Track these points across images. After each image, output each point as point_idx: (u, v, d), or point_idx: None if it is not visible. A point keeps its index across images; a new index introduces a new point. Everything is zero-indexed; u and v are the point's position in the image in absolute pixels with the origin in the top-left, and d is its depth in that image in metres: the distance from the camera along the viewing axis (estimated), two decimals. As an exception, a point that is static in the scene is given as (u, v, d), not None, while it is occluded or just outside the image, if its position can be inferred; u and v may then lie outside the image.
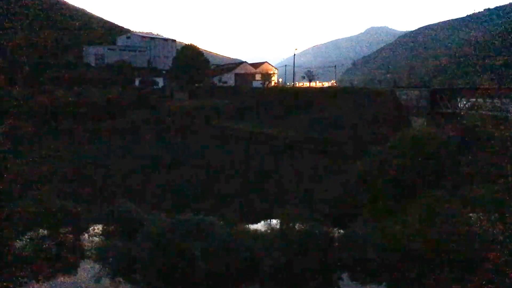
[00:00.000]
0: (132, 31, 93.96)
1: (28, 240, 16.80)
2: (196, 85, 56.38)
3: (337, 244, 16.26)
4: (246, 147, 36.08)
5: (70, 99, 41.98)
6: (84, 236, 18.68)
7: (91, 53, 63.47)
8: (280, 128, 38.87)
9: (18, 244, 16.83)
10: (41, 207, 17.21)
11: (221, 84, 63.57)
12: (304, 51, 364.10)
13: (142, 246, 15.32)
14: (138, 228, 16.46)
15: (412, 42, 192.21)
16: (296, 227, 16.35)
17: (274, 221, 19.76)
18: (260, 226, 19.69)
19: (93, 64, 60.81)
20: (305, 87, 63.80)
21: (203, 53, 62.15)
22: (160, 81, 57.71)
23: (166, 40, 77.61)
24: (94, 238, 18.37)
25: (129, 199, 19.41)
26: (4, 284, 14.39)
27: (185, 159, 32.66)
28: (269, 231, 16.97)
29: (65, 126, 38.63)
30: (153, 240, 15.44)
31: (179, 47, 68.32)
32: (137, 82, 56.01)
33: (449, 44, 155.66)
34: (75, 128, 38.40)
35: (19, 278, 14.93)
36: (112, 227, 18.08)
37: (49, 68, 50.00)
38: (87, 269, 16.46)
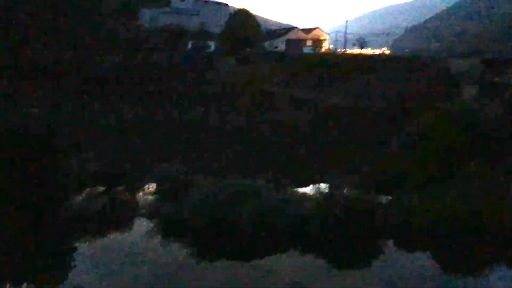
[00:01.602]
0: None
1: (84, 196, 17.83)
2: (248, 49, 56.16)
3: (383, 210, 16.36)
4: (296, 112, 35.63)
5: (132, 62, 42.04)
6: (138, 194, 19.42)
7: (146, 16, 64.09)
8: (324, 94, 38.27)
9: (74, 200, 18.01)
10: (99, 165, 18.20)
11: (271, 49, 63.21)
12: (357, 17, 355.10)
13: (190, 207, 15.95)
14: (188, 188, 17.14)
15: (467, 10, 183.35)
16: (345, 191, 16.71)
17: (323, 185, 20.08)
18: (308, 190, 19.91)
19: (149, 27, 61.27)
20: (355, 54, 62.47)
21: (255, 18, 61.77)
22: (212, 45, 57.86)
23: (219, 3, 77.51)
24: (148, 196, 19.13)
25: (182, 160, 20.14)
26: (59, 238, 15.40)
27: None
28: (317, 194, 17.36)
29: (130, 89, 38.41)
30: (201, 201, 16.04)
31: (231, 12, 68.12)
32: (189, 46, 56.31)
33: (506, 12, 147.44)
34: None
35: (74, 233, 15.95)
36: (164, 187, 18.76)
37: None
38: (140, 226, 17.15)
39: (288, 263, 14.44)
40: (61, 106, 29.35)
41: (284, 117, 34.05)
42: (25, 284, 12.56)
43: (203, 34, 64.32)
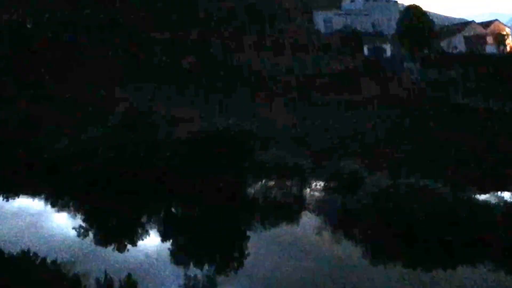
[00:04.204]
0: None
1: (260, 188, 18.92)
2: (425, 51, 52.26)
3: None
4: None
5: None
6: (306, 190, 19.73)
7: (320, 18, 64.81)
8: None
9: (250, 191, 19.10)
10: (274, 161, 19.35)
11: (451, 50, 57.81)
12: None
13: (362, 203, 15.65)
14: (359, 184, 16.87)
15: None
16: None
17: (507, 194, 18.05)
18: (487, 196, 18.08)
19: (322, 30, 61.34)
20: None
21: (427, 14, 58.33)
22: (387, 49, 55.40)
23: (388, 1, 75.15)
24: (315, 193, 19.33)
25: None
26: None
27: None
28: (501, 203, 15.64)
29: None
30: (374, 198, 15.62)
31: (401, 9, 65.49)
32: (365, 50, 54.57)
33: None
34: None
35: (251, 221, 16.90)
36: (333, 183, 18.72)
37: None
38: (308, 220, 17.38)
39: (461, 274, 13.22)
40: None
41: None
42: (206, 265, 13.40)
43: (377, 35, 61.93)
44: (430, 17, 59.45)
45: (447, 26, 76.56)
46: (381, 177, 17.09)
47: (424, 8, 60.31)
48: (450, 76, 41.53)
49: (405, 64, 48.07)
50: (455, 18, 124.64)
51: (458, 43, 60.10)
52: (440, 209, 14.65)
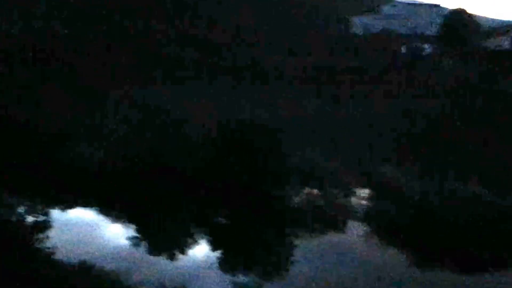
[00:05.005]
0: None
1: (303, 197, 19.04)
2: (467, 51, 52.01)
3: None
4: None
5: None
6: (350, 198, 19.75)
7: (357, 23, 64.66)
8: None
9: (294, 200, 19.31)
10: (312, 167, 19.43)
11: (494, 48, 57.22)
12: None
13: (403, 211, 15.64)
14: (401, 193, 16.84)
15: None
16: None
17: None
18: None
19: (360, 34, 61.71)
20: None
21: (473, 16, 57.36)
22: (427, 48, 55.34)
23: (430, 6, 74.16)
24: (361, 201, 19.34)
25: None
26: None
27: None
28: None
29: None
30: (414, 207, 15.57)
31: (445, 12, 64.44)
32: (403, 49, 54.73)
33: None
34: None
35: (295, 230, 17.03)
36: (375, 189, 18.74)
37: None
38: (354, 228, 17.37)
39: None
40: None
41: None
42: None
43: (417, 37, 61.60)
44: (476, 20, 58.49)
45: (494, 28, 74.81)
46: (422, 182, 17.00)
47: (470, 11, 58.95)
48: (490, 75, 40.42)
49: (445, 62, 47.42)
50: (503, 21, 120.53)
51: (503, 44, 59.45)
52: (487, 217, 14.47)
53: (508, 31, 65.46)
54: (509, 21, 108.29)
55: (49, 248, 14.47)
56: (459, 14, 55.50)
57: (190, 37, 46.41)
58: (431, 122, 30.74)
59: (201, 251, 15.48)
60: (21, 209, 18.75)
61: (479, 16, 75.63)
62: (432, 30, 62.27)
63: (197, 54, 43.28)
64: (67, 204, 21.03)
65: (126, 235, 16.39)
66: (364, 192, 19.71)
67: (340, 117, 32.52)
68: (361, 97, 37.09)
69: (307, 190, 19.64)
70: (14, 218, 17.74)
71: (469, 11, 57.97)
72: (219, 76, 38.63)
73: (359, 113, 33.31)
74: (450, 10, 60.23)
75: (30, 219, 17.67)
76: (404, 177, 18.52)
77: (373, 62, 44.89)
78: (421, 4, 75.45)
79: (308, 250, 15.74)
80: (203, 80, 38.78)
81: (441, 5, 75.07)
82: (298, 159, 21.13)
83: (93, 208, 20.76)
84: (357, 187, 20.00)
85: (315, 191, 19.85)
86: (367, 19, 64.69)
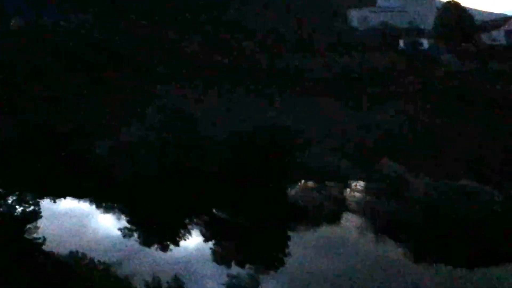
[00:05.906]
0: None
1: (301, 189, 18.99)
2: (463, 44, 52.00)
3: None
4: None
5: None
6: (346, 191, 19.60)
7: (355, 16, 64.23)
8: None
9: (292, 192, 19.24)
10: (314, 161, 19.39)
11: (490, 42, 56.99)
12: None
13: (409, 208, 15.48)
14: (403, 188, 16.65)
15: None
16: None
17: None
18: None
19: (359, 28, 60.89)
20: None
21: (466, 9, 57.23)
22: (425, 42, 54.73)
23: (424, -1, 73.72)
24: (356, 193, 19.17)
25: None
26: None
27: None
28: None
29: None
30: (420, 203, 15.45)
31: (438, 6, 64.22)
32: (401, 44, 54.21)
33: None
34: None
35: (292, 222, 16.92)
36: (375, 185, 18.57)
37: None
38: (349, 221, 17.25)
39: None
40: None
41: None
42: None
43: (414, 31, 61.27)
44: (470, 12, 58.38)
45: (488, 21, 74.71)
46: (425, 179, 16.86)
47: (464, 4, 58.93)
48: (489, 68, 40.40)
49: (442, 57, 47.23)
50: (496, 14, 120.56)
51: (498, 37, 59.40)
52: (488, 213, 14.37)
53: (501, 24, 65.48)
54: (501, 14, 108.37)
55: (39, 238, 14.26)
56: (453, 7, 55.29)
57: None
58: (431, 122, 30.75)
59: (194, 242, 15.26)
60: (9, 200, 18.54)
61: (471, 9, 75.70)
62: (427, 24, 62.01)
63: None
64: (58, 195, 20.74)
65: (118, 226, 16.17)
66: (361, 185, 19.55)
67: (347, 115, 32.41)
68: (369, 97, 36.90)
69: (302, 183, 19.46)
70: (3, 209, 17.48)
71: (463, 4, 57.86)
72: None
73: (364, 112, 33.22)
74: (443, 3, 60.01)
75: (19, 209, 17.50)
76: (405, 174, 18.34)
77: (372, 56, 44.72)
78: (415, -3, 75.11)
79: (304, 242, 15.64)
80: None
81: (435, -2, 74.92)
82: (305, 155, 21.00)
83: (85, 199, 20.48)
84: (356, 182, 19.83)
85: (312, 184, 19.70)
86: (363, 12, 64.22)
